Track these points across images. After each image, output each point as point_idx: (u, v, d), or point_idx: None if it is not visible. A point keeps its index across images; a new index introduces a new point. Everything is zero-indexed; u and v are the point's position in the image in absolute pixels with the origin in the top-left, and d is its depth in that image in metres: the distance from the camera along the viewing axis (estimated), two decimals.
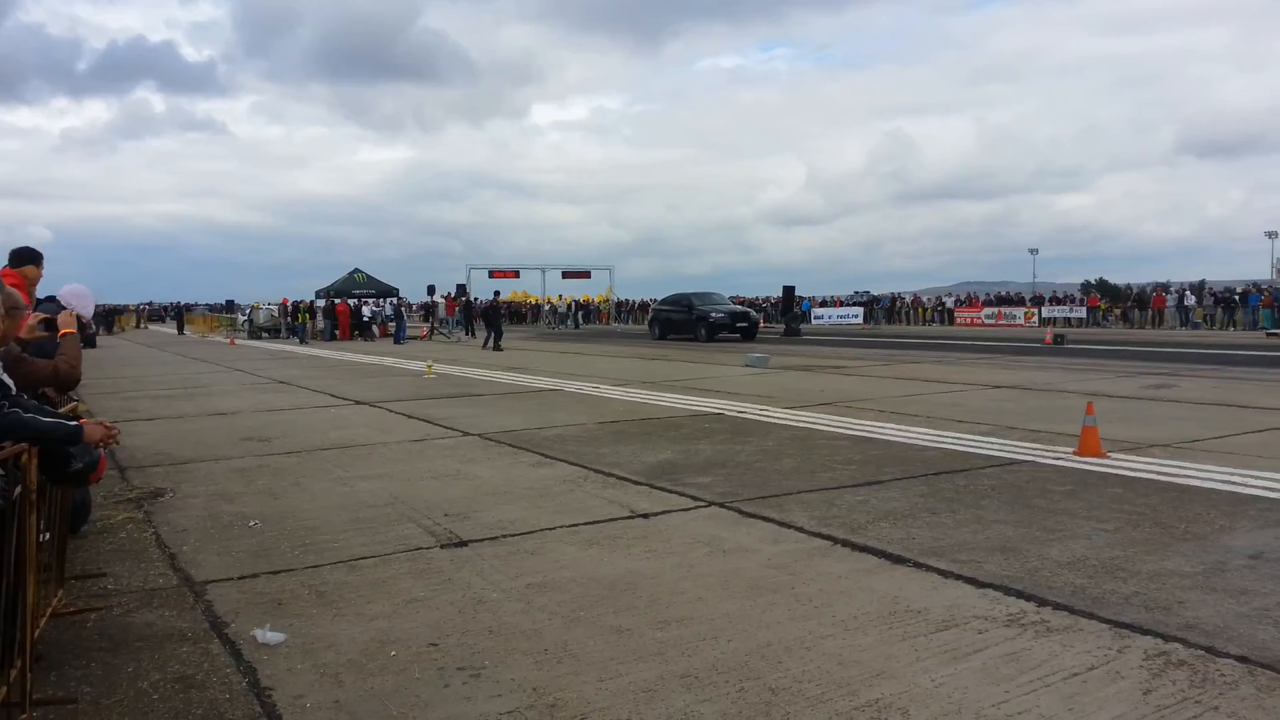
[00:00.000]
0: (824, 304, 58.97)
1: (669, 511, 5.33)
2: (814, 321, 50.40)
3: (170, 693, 2.97)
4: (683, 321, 28.77)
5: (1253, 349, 21.77)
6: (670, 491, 5.86)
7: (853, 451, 7.31)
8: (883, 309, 54.34)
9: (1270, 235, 62.46)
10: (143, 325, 55.50)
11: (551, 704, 2.82)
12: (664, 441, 7.93)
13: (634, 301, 61.57)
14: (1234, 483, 5.88)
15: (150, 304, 78.99)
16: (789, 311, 37.09)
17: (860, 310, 55.01)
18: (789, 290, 38.90)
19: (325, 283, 40.26)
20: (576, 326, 49.75)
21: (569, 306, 53.25)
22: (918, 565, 4.23)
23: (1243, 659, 3.09)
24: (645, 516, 5.21)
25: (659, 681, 2.98)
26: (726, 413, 9.90)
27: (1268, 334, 30.72)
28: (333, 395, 12.56)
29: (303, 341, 31.16)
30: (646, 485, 6.06)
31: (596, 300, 57.63)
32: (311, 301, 37.38)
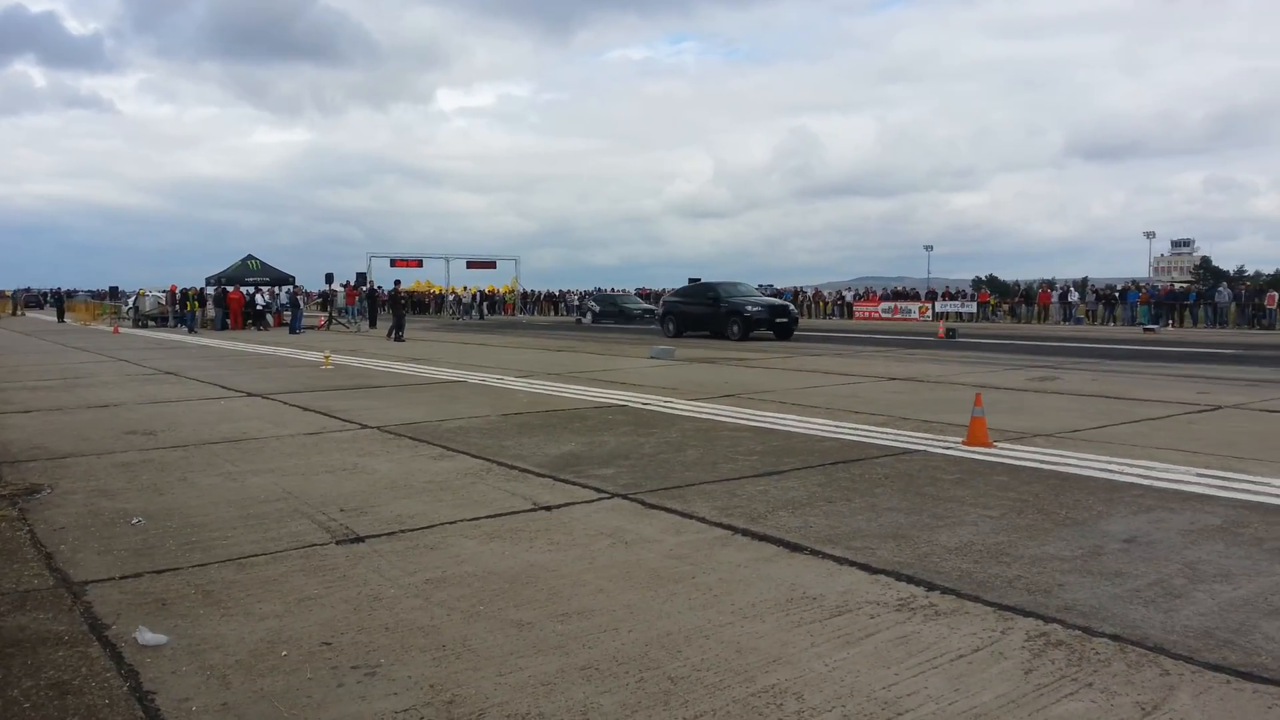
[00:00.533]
0: None
1: (572, 504, 5.32)
2: None
3: (44, 700, 2.81)
4: (706, 316, 24.64)
5: (1130, 344, 22.98)
6: (574, 483, 5.84)
7: (754, 442, 7.43)
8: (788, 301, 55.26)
9: (1149, 235, 66.26)
10: (20, 312, 52.46)
11: (449, 700, 2.79)
12: (568, 433, 7.91)
13: (540, 292, 61.24)
14: (1110, 470, 6.19)
15: (28, 290, 74.74)
16: None
17: None
18: (694, 283, 39.28)
19: (217, 269, 38.82)
20: (481, 317, 49.19)
21: (474, 297, 52.59)
22: (814, 553, 4.32)
23: (1116, 637, 3.26)
24: (548, 509, 5.19)
25: (559, 674, 2.97)
26: (631, 404, 9.93)
27: (1144, 329, 32.45)
28: (223, 387, 12.12)
29: (192, 330, 29.96)
30: (550, 477, 6.04)
31: (502, 291, 57.06)
32: (201, 289, 35.95)
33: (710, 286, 25.83)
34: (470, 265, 50.83)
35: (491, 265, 52.14)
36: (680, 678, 2.93)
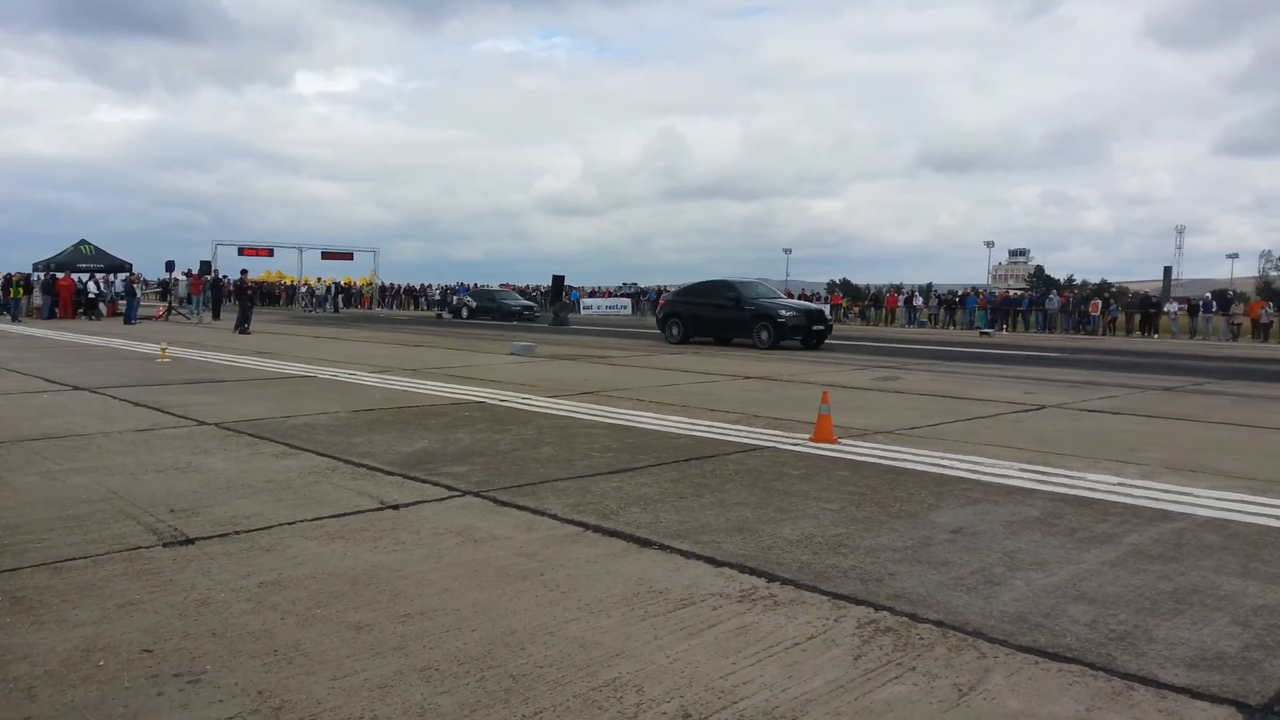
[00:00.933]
0: (594, 294, 59.86)
1: (422, 502, 5.21)
2: (583, 311, 51.08)
3: None
4: (725, 320, 21.38)
5: (967, 346, 24.35)
6: (424, 481, 5.73)
7: (610, 439, 7.47)
8: (650, 301, 55.97)
9: (988, 244, 70.92)
10: None
11: (278, 706, 2.68)
12: (421, 430, 7.75)
13: (400, 286, 59.76)
14: (943, 466, 6.54)
15: None
16: (558, 300, 37.41)
17: (629, 301, 56.32)
18: (558, 279, 39.24)
19: (46, 255, 35.99)
20: (336, 311, 47.60)
21: (328, 289, 50.84)
22: (663, 547, 4.38)
23: (939, 623, 3.44)
24: (395, 508, 5.07)
25: (397, 676, 2.90)
26: (488, 401, 9.82)
27: (981, 333, 34.45)
28: (47, 380, 11.28)
29: (15, 319, 27.78)
30: (400, 475, 5.89)
31: (359, 284, 55.38)
32: (28, 275, 33.36)
33: (728, 285, 22.04)
34: (325, 256, 49.09)
35: (348, 256, 50.52)
36: (522, 675, 2.92)
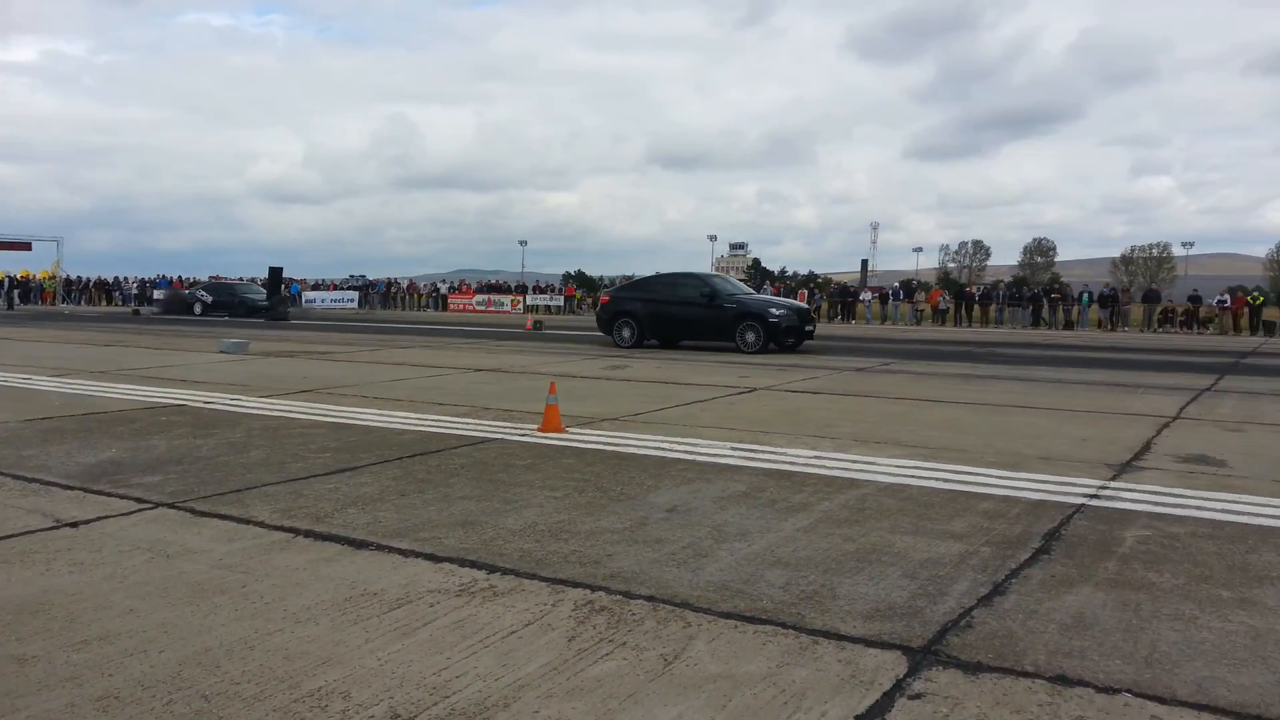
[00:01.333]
0: (316, 287, 56.97)
1: (106, 517, 4.70)
2: (305, 305, 48.49)
3: None
4: (696, 319, 18.40)
5: None
6: (110, 495, 5.18)
7: (329, 439, 7.13)
8: (379, 293, 54.10)
9: (711, 238, 75.46)
10: None
11: None
12: (109, 439, 7.00)
13: (89, 279, 53.70)
14: (663, 448, 6.83)
15: None
16: (275, 294, 35.21)
17: (356, 294, 54.12)
18: (275, 271, 36.90)
19: None
20: (10, 307, 42.01)
21: (2, 283, 44.75)
22: (380, 548, 4.25)
23: (650, 598, 3.59)
24: (74, 525, 4.54)
25: (68, 710, 2.60)
26: (191, 404, 9.05)
27: None
28: None
29: None
30: (80, 489, 5.29)
31: (39, 277, 49.16)
32: None
33: (698, 278, 19.35)
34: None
35: (26, 247, 44.81)
36: (216, 694, 2.71)
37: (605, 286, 51.73)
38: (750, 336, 17.46)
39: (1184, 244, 67.92)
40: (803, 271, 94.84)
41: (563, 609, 3.46)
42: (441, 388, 10.79)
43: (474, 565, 3.99)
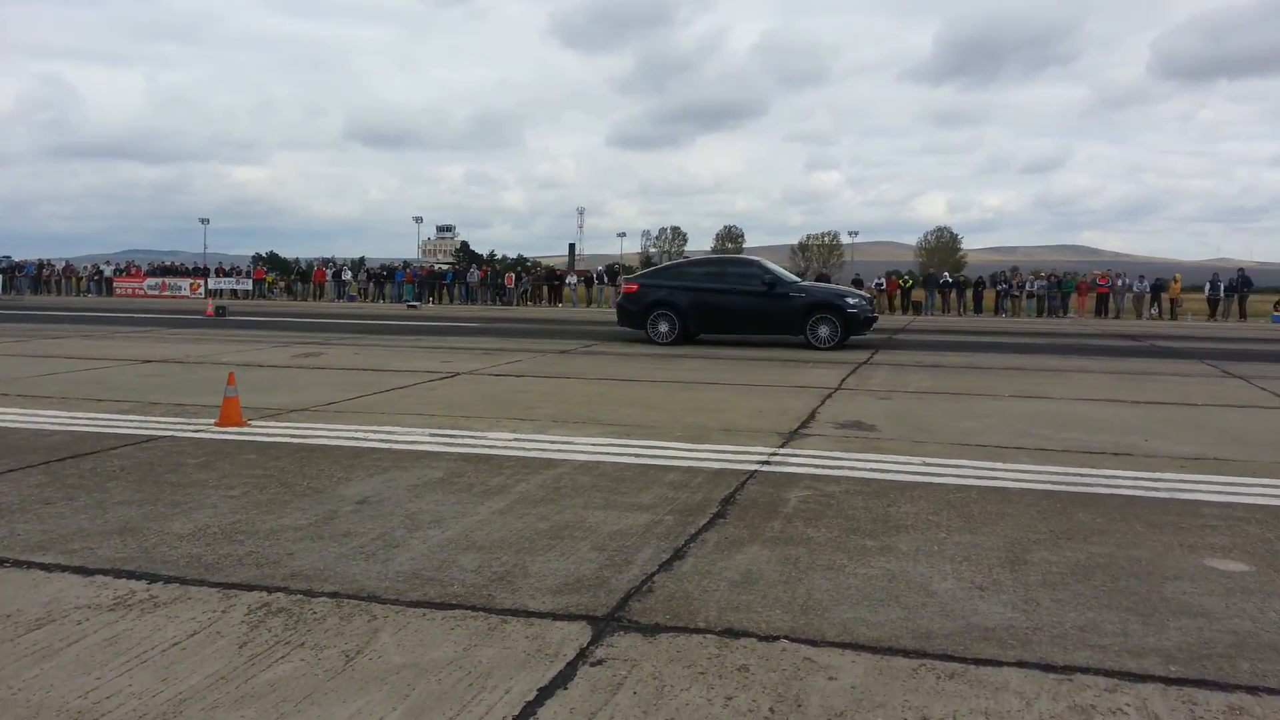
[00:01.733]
0: None
1: None
2: None
3: None
4: (761, 312, 15.98)
5: (395, 319, 24.90)
6: None
7: None
8: (27, 277, 47.69)
9: (418, 220, 73.46)
10: None
11: None
12: None
13: None
14: (357, 438, 6.57)
15: None
16: None
17: None
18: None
19: None
20: None
21: None
22: (18, 564, 3.74)
23: (334, 595, 3.44)
24: None
25: None
26: None
27: (408, 306, 35.46)
28: None
29: None
30: None
31: None
32: None
33: (756, 265, 16.92)
34: None
35: None
36: None
37: (298, 269, 48.75)
38: (823, 330, 15.61)
39: (850, 233, 75.26)
40: (512, 255, 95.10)
41: (234, 615, 3.23)
42: (101, 381, 9.67)
43: (132, 576, 3.62)
